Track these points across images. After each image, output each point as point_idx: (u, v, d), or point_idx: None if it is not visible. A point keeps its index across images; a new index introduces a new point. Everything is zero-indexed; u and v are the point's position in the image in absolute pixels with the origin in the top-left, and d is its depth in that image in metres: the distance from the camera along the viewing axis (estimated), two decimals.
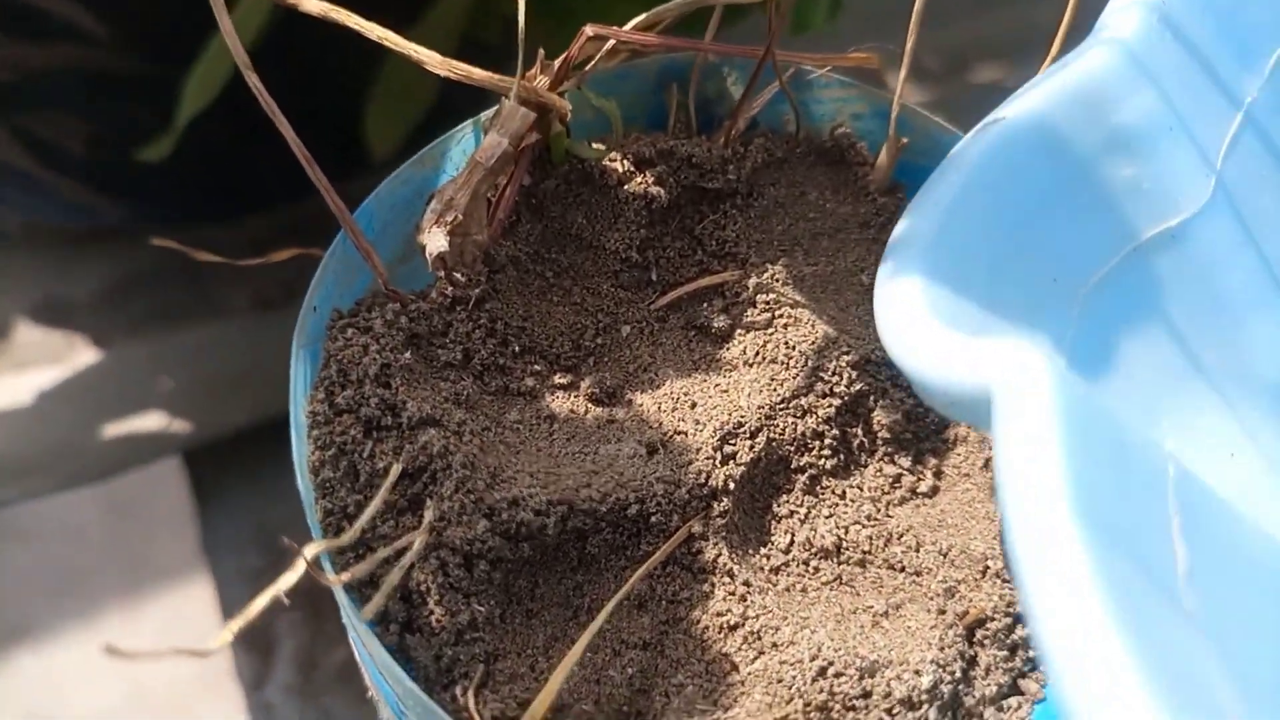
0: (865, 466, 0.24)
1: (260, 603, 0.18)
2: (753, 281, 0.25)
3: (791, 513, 0.24)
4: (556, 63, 0.22)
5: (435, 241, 0.22)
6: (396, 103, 0.42)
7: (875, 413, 0.24)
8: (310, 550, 0.18)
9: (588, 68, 0.22)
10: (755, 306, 0.25)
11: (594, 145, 0.24)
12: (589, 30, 0.21)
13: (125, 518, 0.46)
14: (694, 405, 0.24)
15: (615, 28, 0.21)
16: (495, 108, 0.23)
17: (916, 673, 0.21)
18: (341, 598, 0.19)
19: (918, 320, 0.17)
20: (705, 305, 0.25)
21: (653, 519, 0.22)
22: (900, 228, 0.20)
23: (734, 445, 0.23)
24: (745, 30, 0.27)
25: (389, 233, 0.23)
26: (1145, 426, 0.19)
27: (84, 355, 0.47)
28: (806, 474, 0.24)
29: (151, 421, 0.46)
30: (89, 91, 0.40)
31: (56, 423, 0.46)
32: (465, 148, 0.24)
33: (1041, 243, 0.20)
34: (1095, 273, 0.20)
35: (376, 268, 0.22)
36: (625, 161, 0.24)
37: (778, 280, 0.25)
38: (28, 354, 0.47)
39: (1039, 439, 0.14)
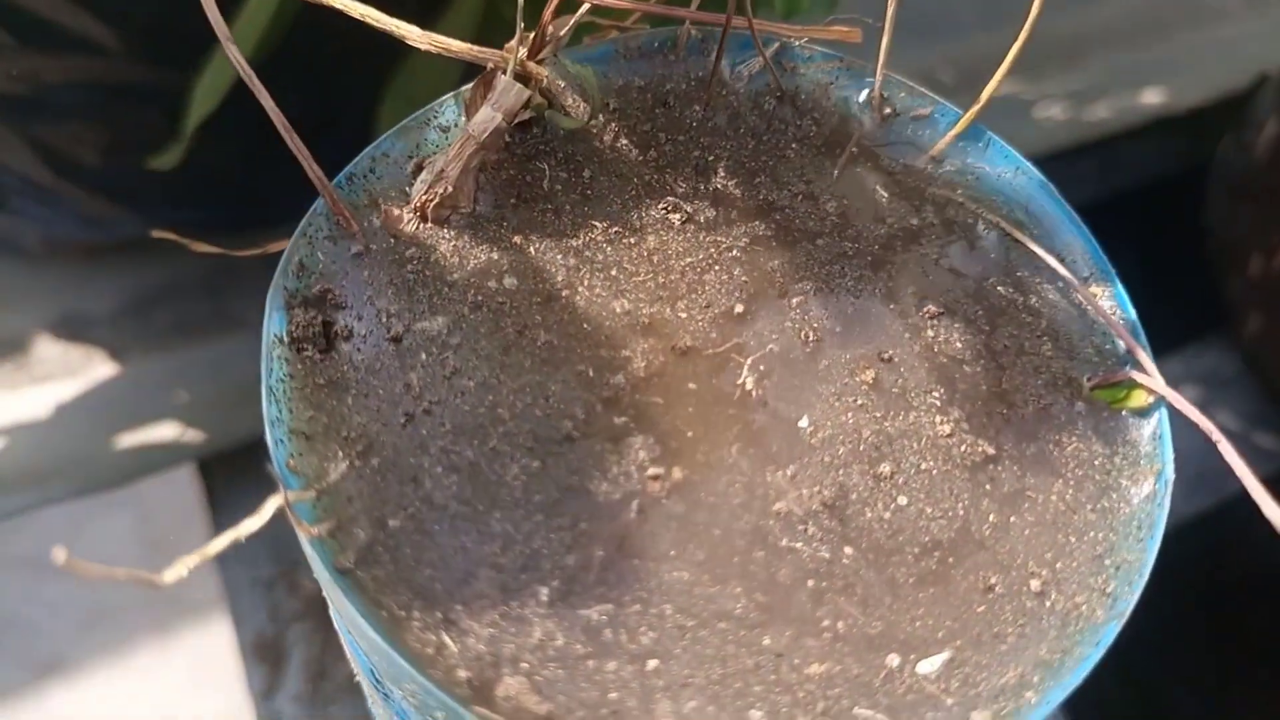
0: None
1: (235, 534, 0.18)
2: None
3: None
4: (533, 34, 0.23)
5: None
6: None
7: None
8: (290, 497, 0.18)
9: (562, 33, 0.22)
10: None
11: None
12: None
13: (140, 524, 0.47)
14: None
15: None
16: (473, 81, 0.23)
17: None
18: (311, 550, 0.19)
19: None
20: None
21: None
22: None
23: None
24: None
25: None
26: None
27: (102, 369, 0.48)
28: None
29: (168, 433, 0.47)
30: (104, 102, 0.41)
31: (75, 435, 0.47)
32: (445, 120, 0.24)
33: None
34: None
35: (356, 233, 0.22)
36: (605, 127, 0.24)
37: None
38: (47, 368, 0.48)
39: None
